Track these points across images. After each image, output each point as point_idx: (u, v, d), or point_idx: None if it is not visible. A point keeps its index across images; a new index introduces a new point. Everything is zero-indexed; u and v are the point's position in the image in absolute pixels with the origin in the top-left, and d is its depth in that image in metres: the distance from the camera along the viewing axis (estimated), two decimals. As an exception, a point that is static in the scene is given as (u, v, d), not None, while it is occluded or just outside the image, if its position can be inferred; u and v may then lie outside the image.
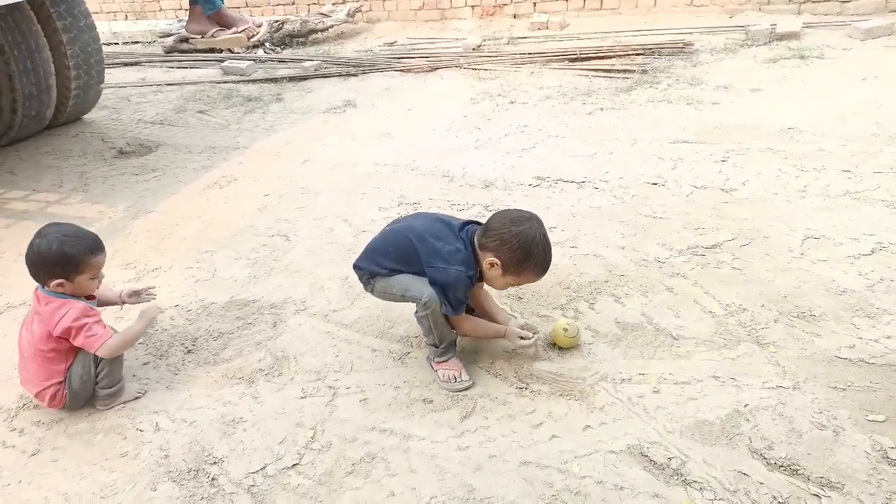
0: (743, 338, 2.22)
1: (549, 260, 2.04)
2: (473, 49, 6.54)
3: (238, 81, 6.24)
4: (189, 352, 2.41)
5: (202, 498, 1.80)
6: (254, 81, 6.24)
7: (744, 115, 4.22)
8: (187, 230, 3.37)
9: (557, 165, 3.73)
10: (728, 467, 1.74)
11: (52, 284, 2.04)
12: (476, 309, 2.31)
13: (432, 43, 7.15)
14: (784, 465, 1.73)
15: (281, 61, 6.90)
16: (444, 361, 2.15)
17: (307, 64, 6.45)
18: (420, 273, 2.06)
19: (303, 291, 2.72)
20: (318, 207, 3.49)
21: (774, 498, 1.64)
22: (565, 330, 2.22)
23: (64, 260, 2.01)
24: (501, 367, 2.20)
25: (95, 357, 2.09)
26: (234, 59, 6.87)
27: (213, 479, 1.85)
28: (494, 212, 2.14)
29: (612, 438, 1.87)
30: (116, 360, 2.15)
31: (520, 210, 2.09)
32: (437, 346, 2.13)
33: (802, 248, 2.69)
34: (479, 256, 2.05)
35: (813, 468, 1.71)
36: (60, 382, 2.09)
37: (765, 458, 1.76)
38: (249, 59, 6.85)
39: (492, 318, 2.28)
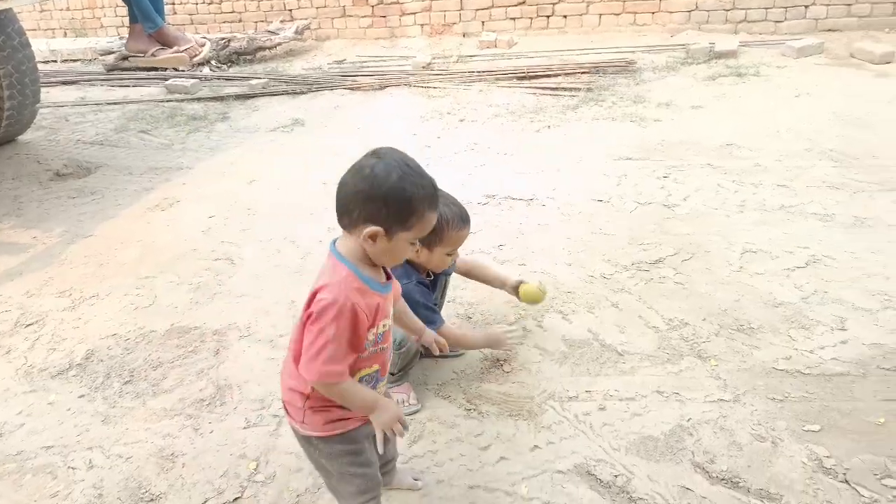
0: (685, 352, 2.27)
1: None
2: (423, 67, 6.57)
3: (182, 100, 6.12)
4: (126, 383, 2.32)
5: (138, 538, 1.72)
6: (199, 100, 6.12)
7: (684, 131, 4.34)
8: (127, 255, 3.26)
9: (506, 183, 3.76)
10: (672, 483, 1.76)
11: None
12: (483, 281, 2.40)
13: (382, 61, 7.15)
14: (725, 478, 1.76)
15: (227, 79, 6.80)
16: (394, 386, 2.12)
17: (254, 82, 6.37)
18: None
19: (247, 317, 2.65)
20: (265, 229, 3.43)
21: (717, 512, 1.67)
22: (540, 283, 2.30)
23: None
24: (450, 389, 2.19)
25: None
26: (178, 78, 6.73)
27: (149, 517, 1.78)
28: None
29: (560, 458, 1.87)
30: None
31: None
32: (393, 374, 2.09)
33: (741, 262, 2.77)
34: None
35: (753, 480, 1.74)
36: (302, 395, 1.43)
37: (707, 472, 1.79)
38: (194, 77, 6.73)
39: (490, 280, 2.37)
